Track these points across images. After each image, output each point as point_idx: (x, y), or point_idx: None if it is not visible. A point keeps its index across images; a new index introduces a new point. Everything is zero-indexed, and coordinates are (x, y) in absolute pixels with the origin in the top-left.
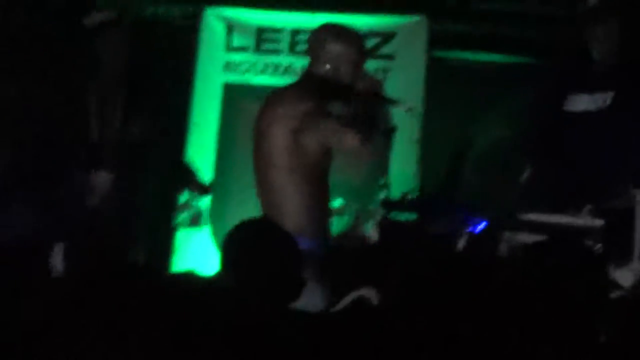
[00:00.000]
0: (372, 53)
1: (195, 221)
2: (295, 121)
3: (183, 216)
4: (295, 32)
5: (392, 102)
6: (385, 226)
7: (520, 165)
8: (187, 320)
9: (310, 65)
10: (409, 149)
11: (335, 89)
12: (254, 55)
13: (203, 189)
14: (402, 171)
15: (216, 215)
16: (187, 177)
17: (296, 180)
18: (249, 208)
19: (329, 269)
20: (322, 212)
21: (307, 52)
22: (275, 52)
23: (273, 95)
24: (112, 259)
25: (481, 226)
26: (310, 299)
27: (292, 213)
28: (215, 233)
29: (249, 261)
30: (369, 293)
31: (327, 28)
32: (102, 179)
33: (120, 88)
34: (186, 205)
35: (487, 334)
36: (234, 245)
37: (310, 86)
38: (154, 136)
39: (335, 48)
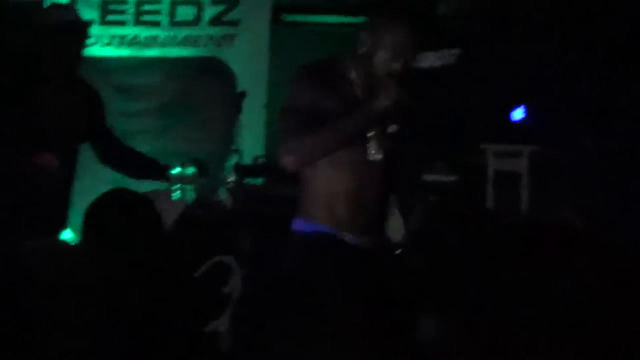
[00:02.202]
0: (217, 20)
1: None
2: None
3: None
4: (140, 3)
5: None
6: (238, 191)
7: None
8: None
9: None
10: (258, 114)
11: None
12: (99, 27)
13: None
14: (252, 136)
15: None
16: None
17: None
18: None
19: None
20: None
21: None
22: (121, 23)
23: None
24: None
25: None
26: None
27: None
28: None
29: (110, 227)
30: (227, 259)
31: None
32: None
33: None
34: None
35: None
36: (95, 213)
37: None
38: None
39: None
